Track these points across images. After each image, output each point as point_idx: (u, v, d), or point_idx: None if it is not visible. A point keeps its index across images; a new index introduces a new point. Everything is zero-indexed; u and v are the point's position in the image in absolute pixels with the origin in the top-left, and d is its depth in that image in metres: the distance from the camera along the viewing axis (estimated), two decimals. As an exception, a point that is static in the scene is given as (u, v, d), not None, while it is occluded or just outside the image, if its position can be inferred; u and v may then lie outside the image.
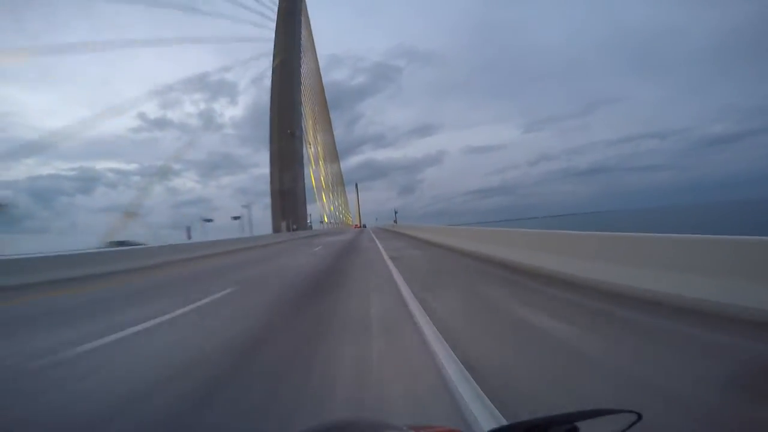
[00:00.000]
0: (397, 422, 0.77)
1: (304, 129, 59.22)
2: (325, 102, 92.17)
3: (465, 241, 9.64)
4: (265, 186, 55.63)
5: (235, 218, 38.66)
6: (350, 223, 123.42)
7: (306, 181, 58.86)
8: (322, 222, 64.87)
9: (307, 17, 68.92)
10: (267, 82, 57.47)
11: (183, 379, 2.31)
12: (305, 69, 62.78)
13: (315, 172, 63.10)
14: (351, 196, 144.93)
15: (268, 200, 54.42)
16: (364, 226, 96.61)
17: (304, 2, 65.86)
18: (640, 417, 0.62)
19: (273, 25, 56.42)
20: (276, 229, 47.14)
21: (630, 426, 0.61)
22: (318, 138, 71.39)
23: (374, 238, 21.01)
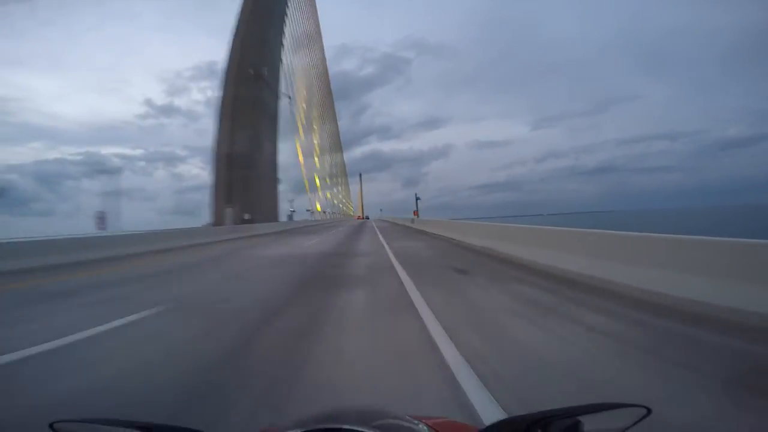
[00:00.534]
0: (397, 412, 0.74)
1: (293, 88, 45.47)
2: (330, 90, 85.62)
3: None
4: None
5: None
6: (352, 214, 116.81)
7: (290, 158, 43.92)
8: (312, 211, 52.48)
9: (314, 5, 63.30)
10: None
11: None
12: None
13: (309, 153, 53.10)
14: (354, 187, 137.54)
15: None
16: (367, 218, 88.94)
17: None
18: (649, 411, 0.57)
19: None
20: (217, 221, 30.62)
21: (638, 421, 0.57)
22: (316, 112, 63.52)
23: (386, 247, 10.10)
